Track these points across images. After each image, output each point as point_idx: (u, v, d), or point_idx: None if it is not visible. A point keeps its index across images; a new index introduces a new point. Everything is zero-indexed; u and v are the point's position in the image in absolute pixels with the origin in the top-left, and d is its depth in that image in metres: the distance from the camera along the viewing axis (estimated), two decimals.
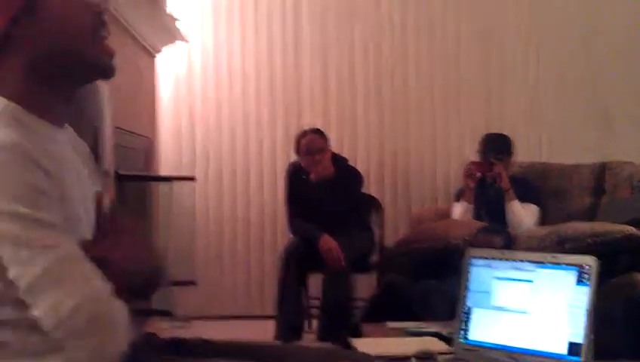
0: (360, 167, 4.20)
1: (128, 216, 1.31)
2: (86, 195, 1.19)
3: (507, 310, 1.65)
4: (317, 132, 3.81)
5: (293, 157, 4.02)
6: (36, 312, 1.00)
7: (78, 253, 1.05)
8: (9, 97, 1.10)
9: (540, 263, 1.64)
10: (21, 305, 1.03)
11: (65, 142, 1.18)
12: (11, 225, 0.99)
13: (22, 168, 1.01)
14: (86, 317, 1.01)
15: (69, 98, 1.18)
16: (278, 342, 3.17)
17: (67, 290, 1.00)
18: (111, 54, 1.18)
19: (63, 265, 1.01)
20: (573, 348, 1.52)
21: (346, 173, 3.77)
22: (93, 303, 1.02)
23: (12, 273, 1.00)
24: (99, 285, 1.04)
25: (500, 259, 1.72)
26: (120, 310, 1.05)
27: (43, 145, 1.09)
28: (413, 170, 4.69)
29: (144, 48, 3.99)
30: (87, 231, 1.17)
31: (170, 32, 4.21)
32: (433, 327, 2.05)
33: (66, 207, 1.08)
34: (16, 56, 1.11)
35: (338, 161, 3.81)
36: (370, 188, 4.51)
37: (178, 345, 1.32)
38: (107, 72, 1.20)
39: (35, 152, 1.04)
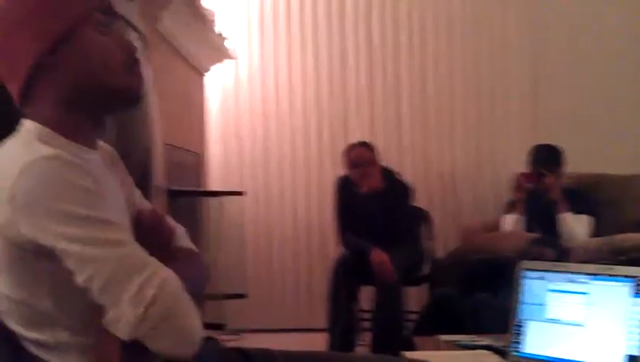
0: (408, 180, 4.19)
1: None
2: (122, 209, 1.22)
3: (561, 322, 1.63)
4: (365, 145, 3.81)
5: (341, 171, 4.04)
6: (116, 310, 1.01)
7: (139, 246, 1.07)
8: (42, 123, 1.14)
9: (595, 275, 1.61)
10: (75, 328, 1.07)
11: (98, 162, 1.21)
12: (73, 228, 1.02)
13: (70, 173, 1.05)
14: (168, 300, 1.02)
15: (100, 122, 1.22)
16: (337, 352, 3.14)
17: (142, 281, 1.02)
18: (140, 84, 1.22)
19: (131, 258, 1.04)
20: (631, 361, 1.49)
21: (395, 186, 3.75)
22: (169, 287, 1.03)
23: (81, 277, 1.02)
24: (167, 271, 1.06)
25: (554, 271, 1.69)
26: (189, 303, 1.07)
27: (82, 156, 1.13)
28: (462, 181, 4.66)
29: (194, 68, 4.08)
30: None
31: (218, 51, 4.30)
32: (485, 340, 2.02)
33: (114, 206, 1.12)
34: (50, 84, 1.15)
35: (387, 173, 3.80)
36: (419, 200, 4.49)
37: (242, 354, 1.33)
38: (135, 102, 1.23)
39: (77, 159, 1.08)
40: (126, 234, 1.07)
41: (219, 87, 4.65)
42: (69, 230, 1.02)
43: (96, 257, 1.01)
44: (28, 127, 1.15)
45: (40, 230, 1.02)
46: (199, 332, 1.08)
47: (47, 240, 1.02)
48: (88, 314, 1.06)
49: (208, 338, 1.31)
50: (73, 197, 1.03)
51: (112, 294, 1.01)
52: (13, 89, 1.17)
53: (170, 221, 1.32)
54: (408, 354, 1.87)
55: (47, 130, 1.13)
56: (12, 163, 1.05)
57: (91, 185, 1.06)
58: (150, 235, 1.19)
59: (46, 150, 1.07)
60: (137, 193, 1.37)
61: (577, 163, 4.35)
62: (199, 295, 1.17)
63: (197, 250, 1.33)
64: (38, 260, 1.06)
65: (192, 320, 1.07)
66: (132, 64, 1.20)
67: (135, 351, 1.04)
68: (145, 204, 1.36)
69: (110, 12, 1.22)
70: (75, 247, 1.02)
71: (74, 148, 1.14)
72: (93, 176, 1.08)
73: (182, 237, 1.33)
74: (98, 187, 1.08)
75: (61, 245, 1.02)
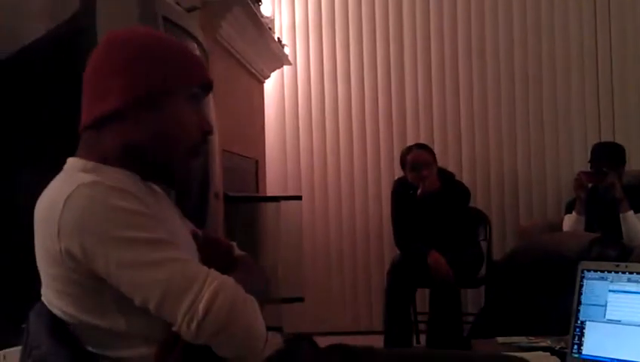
0: (466, 181, 4.16)
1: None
2: (178, 222, 1.26)
3: (623, 323, 1.60)
4: (423, 147, 3.79)
5: (397, 174, 4.04)
6: (177, 326, 1.04)
7: (190, 258, 1.10)
8: (89, 160, 1.18)
9: None
10: (150, 339, 1.09)
11: (142, 184, 1.23)
12: (120, 253, 1.04)
13: (111, 197, 1.07)
14: (222, 310, 1.04)
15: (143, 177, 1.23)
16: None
17: (192, 297, 1.04)
18: (189, 174, 1.25)
19: (181, 275, 1.05)
20: None
21: (453, 188, 3.73)
22: (222, 295, 1.05)
23: (137, 300, 1.05)
24: (222, 276, 1.08)
25: (615, 272, 1.67)
26: (249, 298, 1.09)
27: (124, 179, 1.15)
28: (520, 181, 4.60)
29: (253, 75, 4.16)
30: (190, 246, 1.23)
31: (277, 58, 4.37)
32: (544, 342, 2.00)
33: (165, 223, 1.14)
34: (116, 133, 1.17)
35: (445, 176, 3.77)
36: (477, 201, 4.46)
37: (342, 351, 1.33)
38: (176, 186, 1.27)
39: (118, 182, 1.10)
40: (175, 251, 1.08)
41: (277, 93, 4.72)
42: (116, 255, 1.04)
43: (147, 281, 1.04)
44: (72, 163, 1.19)
45: (91, 259, 1.05)
46: (262, 331, 1.10)
47: (98, 267, 1.05)
48: (160, 325, 1.08)
49: (302, 338, 1.33)
50: (116, 220, 1.05)
51: (168, 313, 1.05)
52: (86, 114, 1.20)
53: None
54: None
55: (91, 162, 1.17)
56: (58, 196, 1.08)
57: (134, 205, 1.08)
58: (209, 248, 1.23)
59: (86, 177, 1.10)
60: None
61: None
62: (262, 298, 1.18)
63: (251, 258, 1.35)
64: (100, 285, 1.08)
65: (253, 321, 1.09)
66: (200, 144, 1.22)
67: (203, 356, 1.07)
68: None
69: (205, 88, 1.25)
70: (125, 273, 1.04)
71: (117, 174, 1.16)
72: (135, 196, 1.09)
73: (235, 248, 1.36)
74: (142, 206, 1.09)
75: (112, 272, 1.05)
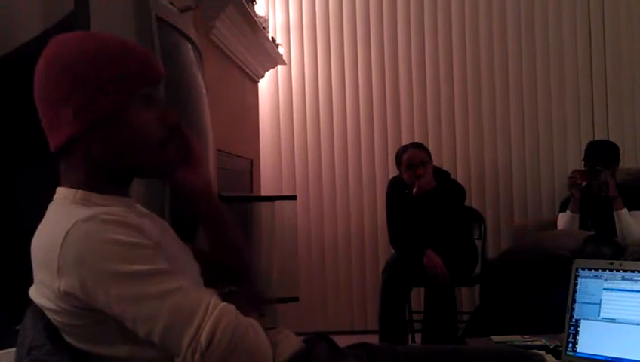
0: (460, 179, 4.17)
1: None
2: (177, 245, 1.25)
3: (617, 321, 1.61)
4: (418, 145, 3.79)
5: (392, 173, 4.04)
6: (181, 358, 1.04)
7: (191, 286, 1.09)
8: (73, 186, 1.17)
9: None
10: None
11: (136, 208, 1.24)
12: (120, 288, 1.03)
13: (108, 231, 1.06)
14: (224, 338, 1.04)
15: (128, 181, 1.24)
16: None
17: (194, 328, 1.04)
18: (173, 164, 1.24)
19: (182, 306, 1.05)
20: None
21: (448, 187, 3.73)
22: (225, 321, 1.05)
23: (141, 333, 1.05)
24: (222, 304, 1.07)
25: (610, 270, 1.67)
26: (250, 323, 1.09)
27: (118, 210, 1.13)
28: (515, 180, 4.61)
29: (247, 75, 4.16)
30: (191, 268, 1.23)
31: (271, 58, 4.36)
32: (539, 341, 2.01)
33: (163, 250, 1.12)
34: (83, 154, 1.16)
35: (440, 175, 3.78)
36: (472, 199, 4.47)
37: (364, 349, 1.33)
38: (165, 176, 1.26)
39: (113, 215, 1.09)
40: (175, 281, 1.07)
41: (271, 92, 4.72)
42: (117, 291, 1.03)
43: (149, 314, 1.04)
44: (63, 194, 1.18)
45: (92, 296, 1.04)
46: (267, 353, 1.10)
47: (100, 303, 1.05)
48: (163, 352, 1.08)
49: (321, 338, 1.32)
50: (115, 255, 1.05)
51: (171, 345, 1.05)
52: (49, 141, 1.19)
53: None
54: None
55: (80, 191, 1.16)
56: (56, 234, 1.07)
57: (132, 237, 1.07)
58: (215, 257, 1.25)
59: (82, 212, 1.09)
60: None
61: (634, 159, 4.28)
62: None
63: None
64: (103, 317, 1.07)
65: (256, 346, 1.08)
66: (168, 138, 1.20)
67: None
68: None
69: (157, 84, 1.22)
70: (127, 308, 1.04)
71: (109, 201, 1.16)
72: (131, 226, 1.09)
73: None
74: (140, 237, 1.08)
75: (114, 308, 1.04)
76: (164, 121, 1.20)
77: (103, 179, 1.18)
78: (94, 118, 1.14)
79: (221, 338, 1.04)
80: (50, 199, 1.21)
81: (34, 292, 1.15)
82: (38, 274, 1.13)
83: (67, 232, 1.05)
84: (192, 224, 1.41)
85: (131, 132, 1.16)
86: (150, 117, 1.18)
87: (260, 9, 4.03)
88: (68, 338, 1.13)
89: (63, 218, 1.09)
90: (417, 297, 3.96)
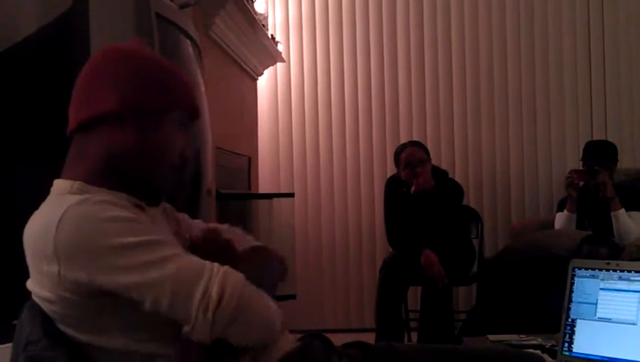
0: (458, 179, 4.17)
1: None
2: (167, 231, 1.26)
3: (613, 321, 1.61)
4: (417, 144, 3.78)
5: (390, 171, 4.03)
6: (190, 323, 1.04)
7: (190, 254, 1.11)
8: (73, 178, 1.18)
9: None
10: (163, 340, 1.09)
11: (128, 200, 1.23)
12: (123, 259, 1.04)
13: (101, 210, 1.08)
14: (234, 294, 1.05)
15: (129, 187, 1.23)
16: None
17: (203, 287, 1.04)
18: (175, 190, 1.27)
19: (188, 269, 1.06)
20: None
21: (446, 186, 3.73)
22: (231, 280, 1.06)
23: (147, 303, 1.05)
24: (226, 266, 1.08)
25: (606, 270, 1.67)
26: (253, 287, 1.09)
27: (110, 196, 1.15)
28: (512, 179, 4.61)
29: (246, 72, 4.15)
30: None
31: (270, 55, 4.36)
32: (535, 340, 2.01)
33: (156, 230, 1.15)
34: (105, 136, 1.17)
35: (438, 174, 3.77)
36: (470, 198, 4.47)
37: (360, 348, 1.33)
38: (161, 196, 1.26)
39: (106, 198, 1.11)
40: (175, 247, 1.10)
41: (270, 90, 4.71)
42: (120, 262, 1.04)
43: (155, 280, 1.04)
44: (58, 185, 1.19)
45: (94, 274, 1.05)
46: (276, 315, 1.11)
47: (103, 280, 1.05)
48: (169, 330, 1.08)
49: (316, 336, 1.32)
50: (112, 230, 1.06)
51: (180, 309, 1.04)
52: (75, 117, 1.20)
53: (234, 230, 1.38)
54: None
55: (78, 182, 1.17)
56: (49, 220, 1.08)
57: (125, 213, 1.09)
58: (207, 246, 1.24)
59: (73, 198, 1.10)
60: (196, 224, 1.42)
61: (633, 159, 4.29)
62: (269, 290, 1.19)
63: (267, 249, 1.36)
64: (101, 304, 1.08)
65: (264, 306, 1.10)
66: (181, 166, 1.24)
67: (218, 350, 1.07)
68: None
69: (191, 115, 1.26)
70: (132, 278, 1.04)
71: (105, 194, 1.16)
72: (123, 207, 1.11)
73: (249, 240, 1.38)
74: (132, 214, 1.11)
75: (118, 280, 1.04)
76: (184, 151, 1.24)
77: (106, 177, 1.18)
78: (136, 106, 1.16)
79: (232, 294, 1.04)
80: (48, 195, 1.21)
81: (31, 284, 1.15)
82: (34, 263, 1.13)
83: (61, 216, 1.06)
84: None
85: (159, 139, 1.19)
86: (177, 138, 1.22)
87: (259, 6, 4.03)
88: (65, 329, 1.13)
89: (56, 206, 1.10)
90: (414, 296, 3.96)
